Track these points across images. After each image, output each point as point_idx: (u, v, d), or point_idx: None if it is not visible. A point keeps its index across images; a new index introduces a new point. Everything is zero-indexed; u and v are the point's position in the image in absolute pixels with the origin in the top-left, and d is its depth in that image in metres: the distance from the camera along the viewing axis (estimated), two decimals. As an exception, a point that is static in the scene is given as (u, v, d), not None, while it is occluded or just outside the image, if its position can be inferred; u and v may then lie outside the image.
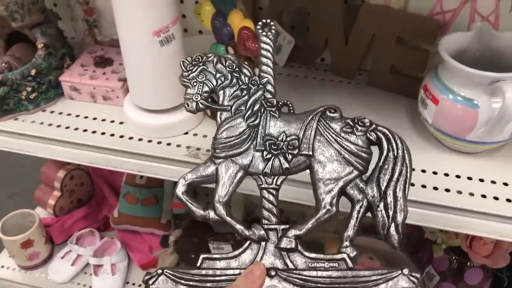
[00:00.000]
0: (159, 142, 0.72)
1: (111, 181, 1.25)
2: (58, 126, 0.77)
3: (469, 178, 0.66)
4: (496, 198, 0.63)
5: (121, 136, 0.74)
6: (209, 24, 0.71)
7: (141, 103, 0.73)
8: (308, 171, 0.51)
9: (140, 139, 0.73)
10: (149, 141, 0.73)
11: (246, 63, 0.54)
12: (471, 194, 0.64)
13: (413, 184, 0.66)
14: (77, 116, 0.79)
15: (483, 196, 0.64)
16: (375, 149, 0.51)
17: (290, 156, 0.50)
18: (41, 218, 1.14)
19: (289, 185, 0.65)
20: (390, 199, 0.48)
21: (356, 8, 0.81)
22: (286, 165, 0.50)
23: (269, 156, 0.50)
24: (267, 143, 0.50)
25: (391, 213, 0.48)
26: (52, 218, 1.21)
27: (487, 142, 0.65)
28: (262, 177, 0.50)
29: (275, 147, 0.50)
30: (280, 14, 0.86)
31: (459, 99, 0.64)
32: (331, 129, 0.50)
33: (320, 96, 0.82)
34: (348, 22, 0.81)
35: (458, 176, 0.66)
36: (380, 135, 0.50)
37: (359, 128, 0.50)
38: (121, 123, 0.77)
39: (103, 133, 0.75)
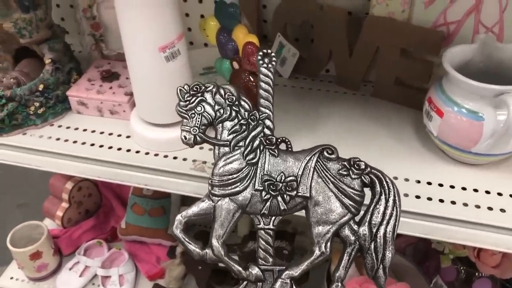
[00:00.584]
0: (166, 156, 0.73)
1: (119, 192, 1.26)
2: (66, 140, 0.78)
3: (475, 190, 0.66)
4: (502, 210, 0.63)
5: (128, 150, 0.75)
6: (214, 39, 0.71)
7: (147, 117, 0.73)
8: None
9: (146, 153, 0.74)
10: (156, 154, 0.73)
11: (245, 95, 0.54)
12: (478, 207, 0.64)
13: (418, 197, 0.66)
14: (85, 130, 0.80)
15: (490, 208, 0.63)
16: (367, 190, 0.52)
17: (288, 198, 0.50)
18: (49, 230, 1.15)
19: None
20: (380, 242, 0.50)
21: (360, 20, 0.81)
22: (284, 206, 0.50)
23: (267, 196, 0.50)
24: (266, 184, 0.50)
25: (380, 255, 0.50)
26: (60, 229, 1.21)
27: (493, 154, 0.65)
28: (259, 217, 0.50)
29: (274, 188, 0.50)
30: (285, 27, 0.87)
31: (464, 111, 0.64)
32: (328, 171, 0.51)
33: (325, 107, 0.82)
34: (352, 34, 0.81)
35: (464, 188, 0.66)
36: (374, 178, 0.51)
37: (355, 171, 0.50)
38: (128, 137, 0.77)
39: (110, 147, 0.76)
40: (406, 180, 0.69)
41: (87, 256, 1.17)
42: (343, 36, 0.81)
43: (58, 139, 0.78)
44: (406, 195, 0.66)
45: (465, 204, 0.64)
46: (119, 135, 0.78)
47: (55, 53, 0.82)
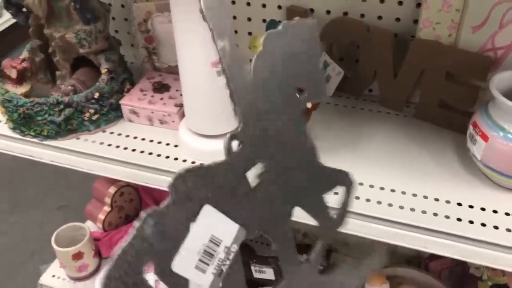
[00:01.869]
0: (211, 166, 0.75)
1: (159, 198, 1.30)
2: (117, 146, 0.82)
3: (519, 216, 0.66)
4: (546, 238, 0.63)
5: (175, 159, 0.78)
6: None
7: (196, 128, 0.76)
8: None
9: (193, 162, 0.77)
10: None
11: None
12: (521, 233, 0.64)
13: (459, 219, 0.66)
14: (135, 137, 0.83)
15: (533, 235, 0.63)
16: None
17: None
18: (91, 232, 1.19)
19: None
20: None
21: (406, 42, 0.82)
22: None
23: None
24: None
25: None
26: (101, 232, 1.26)
27: (538, 181, 0.65)
28: None
29: None
30: (330, 46, 0.89)
31: (510, 136, 0.64)
32: None
33: (368, 127, 0.83)
34: (397, 55, 0.82)
35: (507, 214, 0.66)
36: None
37: None
38: (175, 146, 0.81)
39: (158, 155, 0.79)
40: (447, 202, 0.69)
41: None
42: (389, 58, 0.82)
43: (109, 145, 0.82)
44: (447, 217, 0.67)
45: (508, 230, 0.64)
46: (168, 144, 0.81)
47: (111, 63, 0.86)
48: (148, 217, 0.30)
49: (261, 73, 0.32)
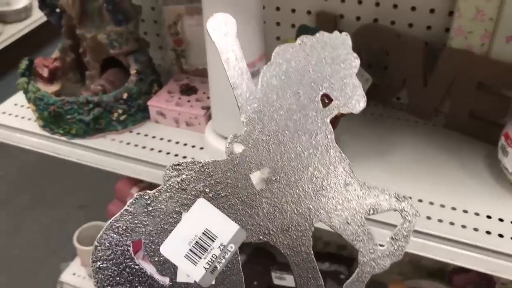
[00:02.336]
0: (236, 170, 0.75)
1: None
2: (144, 147, 0.82)
3: (551, 231, 0.64)
4: None
5: (201, 161, 0.78)
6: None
7: (222, 131, 0.76)
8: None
9: (218, 165, 0.77)
10: (227, 167, 0.76)
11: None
12: (553, 248, 0.62)
13: (489, 232, 0.65)
14: (161, 139, 0.84)
15: None
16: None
17: None
18: (113, 232, 1.20)
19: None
20: None
21: (437, 51, 0.81)
22: None
23: None
24: None
25: None
26: (122, 232, 1.26)
27: None
28: None
29: None
30: (359, 53, 0.88)
31: (544, 149, 0.62)
32: None
33: (395, 135, 0.82)
34: (427, 63, 0.81)
35: (539, 228, 0.65)
36: None
37: None
38: (201, 148, 0.81)
39: (184, 157, 0.79)
40: (476, 214, 0.68)
41: (145, 261, 1.21)
42: (419, 66, 0.81)
43: (136, 145, 0.83)
44: (475, 229, 0.65)
45: (540, 244, 0.62)
46: (193, 146, 0.82)
47: (140, 64, 0.87)
48: (140, 197, 0.32)
49: (271, 82, 0.33)
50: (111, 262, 0.32)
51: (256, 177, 0.33)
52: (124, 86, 0.84)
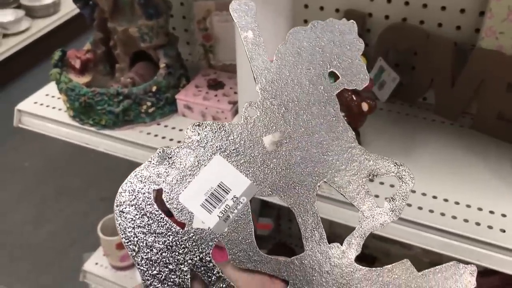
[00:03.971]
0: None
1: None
2: (171, 139, 0.83)
3: None
4: None
5: (227, 155, 0.79)
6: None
7: (249, 125, 0.77)
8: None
9: (244, 159, 0.78)
10: (253, 162, 0.77)
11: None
12: None
13: (515, 234, 0.64)
14: (188, 132, 0.85)
15: None
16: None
17: None
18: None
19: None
20: None
21: (465, 51, 0.81)
22: None
23: None
24: None
25: None
26: (144, 224, 1.28)
27: None
28: None
29: None
30: (387, 52, 0.88)
31: None
32: None
33: (422, 136, 0.82)
34: (456, 64, 0.81)
35: None
36: None
37: None
38: (227, 142, 0.82)
39: (210, 150, 0.80)
40: (503, 215, 0.67)
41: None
42: (447, 66, 0.81)
43: (163, 137, 0.84)
44: (502, 230, 0.65)
45: None
46: (219, 140, 0.82)
47: (169, 58, 0.88)
48: (163, 151, 0.35)
49: (285, 58, 0.37)
50: (133, 207, 0.35)
51: (268, 139, 0.37)
52: (153, 79, 0.86)
